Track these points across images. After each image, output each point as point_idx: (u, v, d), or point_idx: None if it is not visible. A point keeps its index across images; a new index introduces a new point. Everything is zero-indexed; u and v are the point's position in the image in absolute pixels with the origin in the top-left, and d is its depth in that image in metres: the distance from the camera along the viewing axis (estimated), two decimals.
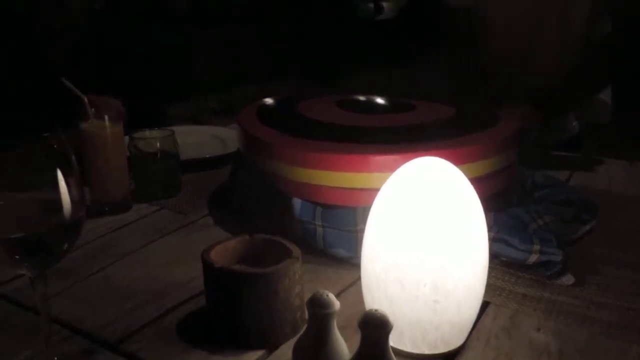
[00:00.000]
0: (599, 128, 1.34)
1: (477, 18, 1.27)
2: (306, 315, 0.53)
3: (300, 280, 0.56)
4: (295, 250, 0.57)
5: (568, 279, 0.67)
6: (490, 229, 0.58)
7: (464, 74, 1.35)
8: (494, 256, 0.68)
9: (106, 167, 0.86)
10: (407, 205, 0.51)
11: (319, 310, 0.48)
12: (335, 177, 0.72)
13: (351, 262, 0.69)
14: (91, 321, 0.59)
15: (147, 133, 0.92)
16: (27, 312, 0.61)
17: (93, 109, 0.84)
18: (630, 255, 0.73)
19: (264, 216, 0.78)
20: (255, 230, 0.78)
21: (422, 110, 0.89)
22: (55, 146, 0.45)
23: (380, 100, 0.96)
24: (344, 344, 0.49)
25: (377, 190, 0.56)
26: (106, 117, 0.84)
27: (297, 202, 0.72)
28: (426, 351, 0.52)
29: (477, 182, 0.58)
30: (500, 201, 0.77)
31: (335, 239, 0.70)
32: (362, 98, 0.98)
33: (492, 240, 0.68)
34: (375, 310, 0.45)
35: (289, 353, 0.52)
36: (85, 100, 0.84)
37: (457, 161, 0.70)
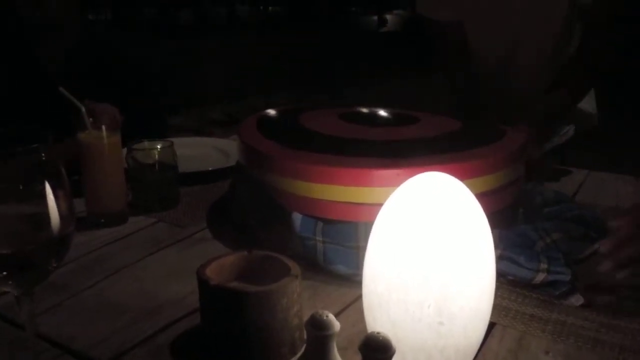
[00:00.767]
0: (585, 137, 1.34)
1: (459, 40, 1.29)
2: (305, 336, 0.51)
3: (299, 299, 0.54)
4: (295, 268, 0.55)
5: (577, 299, 0.64)
6: (496, 246, 0.57)
7: (463, 89, 1.35)
8: (500, 275, 0.66)
9: (103, 178, 0.84)
10: (411, 223, 0.49)
11: (318, 332, 0.45)
12: (336, 190, 0.70)
13: (352, 279, 0.67)
14: (82, 339, 0.57)
15: (146, 144, 0.90)
16: (17, 329, 0.59)
17: (91, 119, 0.83)
18: None
19: (263, 231, 0.76)
20: (254, 245, 0.76)
21: (426, 123, 0.87)
22: (44, 158, 0.43)
23: (383, 113, 0.95)
24: None
25: (379, 205, 0.54)
26: (104, 127, 0.82)
27: (297, 217, 0.70)
28: None
29: (483, 197, 0.56)
30: (506, 217, 0.75)
31: (336, 255, 0.68)
32: (364, 110, 0.96)
33: (499, 258, 0.66)
34: (377, 333, 0.43)
35: None
36: (83, 110, 0.83)
37: (462, 176, 0.68)
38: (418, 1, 1.29)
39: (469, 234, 0.48)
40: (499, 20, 1.23)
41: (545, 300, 0.65)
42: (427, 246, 0.47)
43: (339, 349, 0.47)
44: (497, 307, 0.62)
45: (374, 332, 0.43)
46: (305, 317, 0.54)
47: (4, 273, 0.42)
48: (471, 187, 0.52)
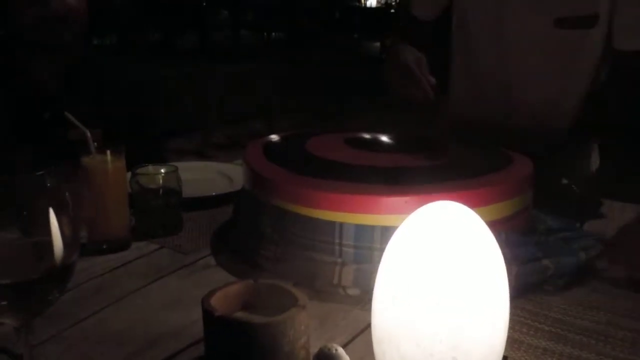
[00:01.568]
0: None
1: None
2: None
3: (306, 330, 0.53)
4: (302, 298, 0.53)
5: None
6: (504, 252, 0.55)
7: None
8: (548, 276, 0.70)
9: (106, 203, 0.83)
10: (422, 253, 0.48)
11: None
12: (343, 218, 0.69)
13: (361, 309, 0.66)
14: None
15: (150, 169, 0.90)
16: None
17: (95, 143, 0.82)
18: None
19: (267, 258, 0.75)
20: (258, 271, 0.75)
21: (429, 149, 0.86)
22: (48, 184, 0.42)
23: (390, 138, 0.94)
24: None
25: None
26: (108, 151, 0.81)
27: (349, 227, 0.69)
28: None
29: (492, 226, 0.55)
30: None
31: None
32: (371, 136, 0.96)
33: (546, 258, 0.70)
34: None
35: None
36: (88, 134, 0.82)
37: (472, 204, 0.68)
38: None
39: (484, 267, 0.47)
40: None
41: (558, 332, 0.63)
42: (440, 279, 0.46)
43: None
44: (508, 340, 0.60)
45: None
46: (312, 349, 0.53)
47: (3, 303, 0.40)
48: (481, 216, 0.51)
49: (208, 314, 0.52)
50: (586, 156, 1.18)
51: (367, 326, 0.63)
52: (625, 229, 0.80)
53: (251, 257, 0.77)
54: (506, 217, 0.71)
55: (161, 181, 0.88)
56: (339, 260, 0.69)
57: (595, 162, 1.05)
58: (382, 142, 0.93)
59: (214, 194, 1.04)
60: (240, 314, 0.55)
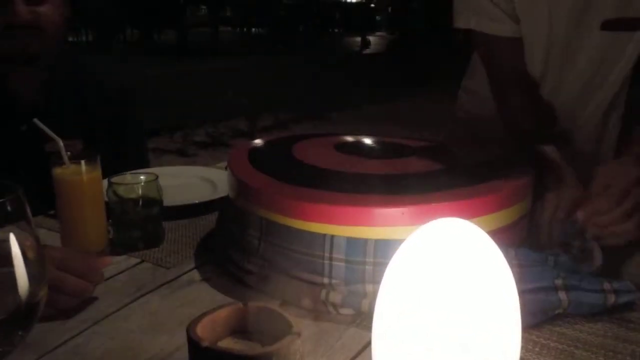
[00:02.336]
0: None
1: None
2: None
3: (301, 359, 0.48)
4: (296, 324, 0.49)
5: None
6: (511, 264, 0.50)
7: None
8: (574, 308, 0.63)
9: (82, 215, 0.78)
10: (429, 271, 0.44)
11: None
12: (335, 230, 0.65)
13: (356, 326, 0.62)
14: None
15: (128, 177, 0.84)
16: None
17: (69, 153, 0.77)
18: None
19: (252, 274, 0.70)
20: (244, 288, 0.71)
21: (427, 154, 0.83)
22: (9, 208, 0.37)
23: (380, 143, 0.90)
24: None
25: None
26: (83, 162, 0.76)
27: (341, 240, 0.64)
28: None
29: (495, 235, 0.51)
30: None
31: None
32: (360, 140, 0.92)
33: (562, 289, 0.63)
34: None
35: None
36: (61, 143, 0.77)
37: (473, 213, 0.64)
38: (475, 18, 1.05)
39: (493, 292, 0.43)
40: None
41: (565, 350, 0.60)
42: (445, 305, 0.42)
43: None
44: None
45: None
46: None
47: None
48: (481, 225, 0.47)
49: (194, 345, 0.47)
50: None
51: (364, 347, 0.60)
52: None
53: (236, 272, 0.73)
54: (508, 225, 0.68)
55: (140, 191, 0.83)
56: (326, 281, 0.65)
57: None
58: (373, 148, 0.89)
59: (196, 202, 0.99)
60: (229, 342, 0.51)
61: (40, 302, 0.37)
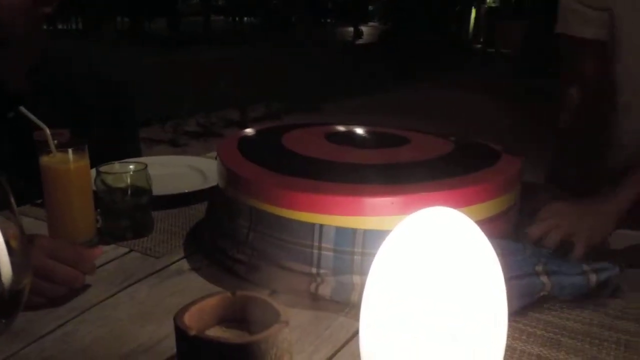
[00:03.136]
0: None
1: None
2: None
3: (289, 347, 0.49)
4: (284, 312, 0.49)
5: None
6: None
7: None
8: (557, 291, 0.65)
9: (69, 205, 0.77)
10: (412, 266, 0.44)
11: None
12: (324, 220, 0.65)
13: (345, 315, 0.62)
14: None
15: (117, 166, 0.84)
16: None
17: (55, 141, 0.76)
18: None
19: (242, 263, 0.70)
20: (234, 277, 0.71)
21: (417, 144, 0.83)
22: None
23: (371, 133, 0.90)
24: None
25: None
26: (70, 150, 0.75)
27: (330, 230, 0.64)
28: None
29: (484, 224, 0.52)
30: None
31: None
32: (351, 130, 0.91)
33: (543, 275, 0.64)
34: None
35: None
36: (48, 131, 0.76)
37: (462, 203, 0.64)
38: (560, 21, 1.06)
39: (481, 282, 0.43)
40: None
41: (551, 337, 0.61)
42: (433, 296, 0.42)
43: None
44: None
45: None
46: None
47: None
48: (470, 215, 0.47)
49: (181, 334, 0.47)
50: None
51: (351, 337, 0.60)
52: None
53: (225, 262, 0.73)
54: (497, 215, 0.68)
55: (129, 180, 0.82)
56: (314, 270, 0.65)
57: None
58: (364, 137, 0.89)
59: (186, 191, 0.98)
60: (217, 331, 0.51)
61: (24, 290, 0.37)
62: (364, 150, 0.80)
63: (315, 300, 0.66)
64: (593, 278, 0.65)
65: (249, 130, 0.91)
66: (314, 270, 0.65)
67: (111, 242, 0.81)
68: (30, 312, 0.62)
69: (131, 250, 0.80)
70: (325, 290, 0.65)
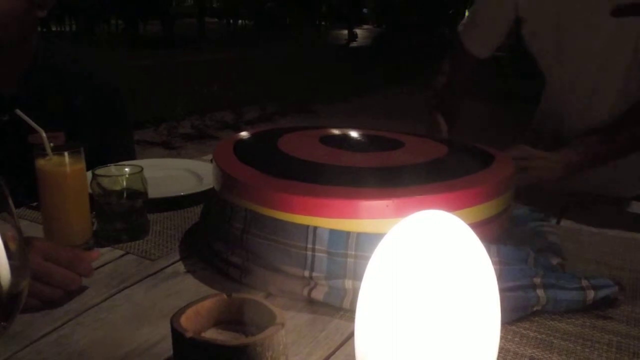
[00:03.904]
0: None
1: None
2: None
3: (285, 350, 0.49)
4: (280, 315, 0.50)
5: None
6: (494, 262, 0.52)
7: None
8: (553, 305, 0.65)
9: (65, 208, 0.77)
10: (406, 269, 0.44)
11: None
12: (319, 223, 0.65)
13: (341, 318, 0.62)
14: None
15: (113, 169, 0.84)
16: None
17: (52, 144, 0.76)
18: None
19: (236, 267, 0.71)
20: (229, 279, 0.71)
21: (412, 147, 0.83)
22: None
23: (366, 136, 0.91)
24: None
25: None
26: (66, 153, 0.75)
27: (323, 232, 0.64)
28: None
29: (478, 227, 0.52)
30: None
31: None
32: (346, 133, 0.92)
33: (540, 287, 0.64)
34: None
35: None
36: (44, 134, 0.76)
37: (456, 206, 0.65)
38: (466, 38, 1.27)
39: (472, 281, 0.44)
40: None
41: (544, 339, 0.61)
42: (427, 299, 0.43)
43: None
44: None
45: None
46: None
47: None
48: (464, 218, 0.48)
49: (178, 336, 0.47)
50: None
51: (347, 338, 0.60)
52: None
53: (220, 264, 0.73)
54: (491, 218, 0.69)
55: (125, 183, 0.82)
56: (307, 274, 0.65)
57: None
58: (358, 140, 0.89)
59: (182, 194, 0.99)
60: (213, 333, 0.51)
61: (23, 293, 0.37)
62: (359, 153, 0.81)
63: (310, 303, 0.66)
64: (590, 295, 0.65)
65: (244, 133, 0.92)
66: (307, 273, 0.65)
67: (107, 244, 0.82)
68: (26, 315, 0.63)
69: (127, 253, 0.80)
70: (318, 294, 0.65)
